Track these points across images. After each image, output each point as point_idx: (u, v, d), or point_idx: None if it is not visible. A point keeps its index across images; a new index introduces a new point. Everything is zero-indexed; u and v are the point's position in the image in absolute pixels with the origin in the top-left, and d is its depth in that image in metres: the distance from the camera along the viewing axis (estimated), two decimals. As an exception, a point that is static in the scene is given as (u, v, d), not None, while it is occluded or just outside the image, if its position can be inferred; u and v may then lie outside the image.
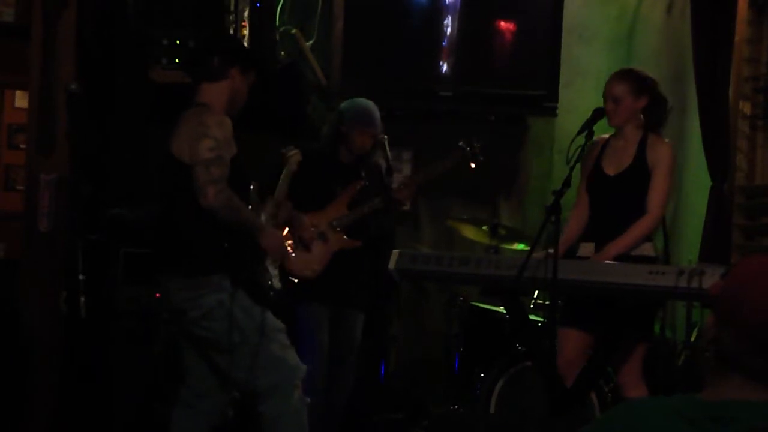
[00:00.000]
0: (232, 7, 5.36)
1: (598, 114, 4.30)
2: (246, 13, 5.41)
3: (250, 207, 4.08)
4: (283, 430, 4.00)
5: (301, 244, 4.86)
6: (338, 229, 4.93)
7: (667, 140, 4.45)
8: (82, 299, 4.15)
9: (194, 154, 3.82)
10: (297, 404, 4.00)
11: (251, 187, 4.16)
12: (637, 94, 4.36)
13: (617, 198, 4.39)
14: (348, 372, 5.05)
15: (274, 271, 4.32)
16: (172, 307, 3.98)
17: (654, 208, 4.32)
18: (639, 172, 4.34)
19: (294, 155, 4.72)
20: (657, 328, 5.15)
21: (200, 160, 3.80)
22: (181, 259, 3.96)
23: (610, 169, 4.42)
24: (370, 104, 5.01)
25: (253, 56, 4.25)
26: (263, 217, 4.34)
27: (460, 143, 5.14)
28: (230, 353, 3.90)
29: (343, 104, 5.07)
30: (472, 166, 5.12)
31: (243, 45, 4.47)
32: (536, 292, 5.46)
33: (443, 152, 5.25)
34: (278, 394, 3.96)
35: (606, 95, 4.39)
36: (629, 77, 4.41)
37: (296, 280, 4.86)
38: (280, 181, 4.66)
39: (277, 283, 4.29)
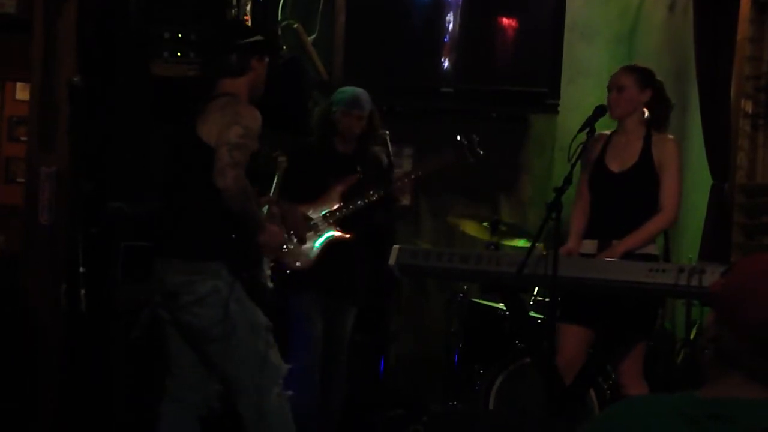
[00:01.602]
0: (234, 1, 5.36)
1: (599, 111, 4.31)
2: (248, 7, 5.41)
3: None
4: (264, 429, 3.97)
5: (294, 235, 4.85)
6: (331, 221, 4.93)
7: (671, 136, 4.45)
8: (82, 292, 4.15)
9: (221, 137, 3.82)
10: (276, 403, 3.97)
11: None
12: (642, 86, 4.37)
13: (622, 195, 4.38)
14: (341, 368, 5.04)
15: (267, 271, 4.32)
16: (165, 289, 3.94)
17: (669, 207, 4.32)
18: (645, 170, 4.34)
19: (282, 162, 4.76)
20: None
21: (225, 142, 3.80)
22: (183, 242, 3.94)
23: (614, 166, 4.42)
24: (358, 90, 5.01)
25: (266, 40, 4.24)
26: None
27: (458, 138, 5.13)
28: (218, 343, 3.88)
29: (333, 94, 5.10)
30: (471, 159, 5.10)
31: (254, 32, 4.46)
32: (536, 289, 5.46)
33: (444, 149, 5.25)
34: (258, 392, 3.93)
35: (611, 85, 4.41)
36: (636, 69, 4.45)
37: (288, 271, 4.85)
38: (274, 186, 4.71)
39: (269, 283, 4.29)
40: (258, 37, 4.14)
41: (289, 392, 4.04)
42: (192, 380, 4.07)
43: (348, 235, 4.93)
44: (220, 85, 4.02)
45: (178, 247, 3.95)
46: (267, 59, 4.11)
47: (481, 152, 5.11)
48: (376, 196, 4.93)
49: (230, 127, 3.83)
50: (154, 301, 4.04)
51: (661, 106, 4.42)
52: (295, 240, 4.85)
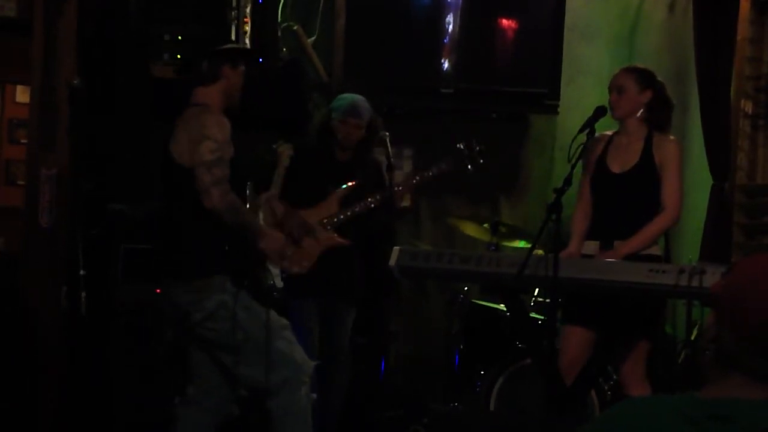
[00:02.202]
0: (234, 3, 5.36)
1: (599, 112, 4.30)
2: (248, 9, 5.41)
3: (248, 206, 4.10)
4: (291, 426, 4.01)
5: (292, 240, 4.86)
6: (329, 227, 4.93)
7: (672, 137, 4.45)
8: (83, 294, 4.15)
9: (196, 157, 3.82)
10: (304, 400, 4.02)
11: (247, 186, 4.17)
12: (642, 86, 4.37)
13: (623, 196, 4.38)
14: (342, 369, 5.04)
15: (275, 270, 4.33)
16: (177, 309, 3.99)
17: (671, 207, 4.31)
18: (646, 171, 4.34)
19: (284, 150, 4.75)
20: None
21: (202, 162, 3.80)
22: (181, 263, 3.97)
23: (616, 167, 4.42)
24: (357, 97, 5.01)
25: (240, 49, 4.25)
26: (261, 217, 4.36)
27: (459, 145, 5.13)
28: (237, 351, 3.92)
29: (333, 101, 5.10)
30: (469, 167, 5.12)
31: (229, 40, 4.46)
32: (537, 290, 5.46)
33: (444, 150, 5.25)
34: (286, 389, 3.97)
35: (611, 86, 4.41)
36: (636, 70, 4.45)
37: (284, 275, 4.85)
38: (276, 177, 4.69)
39: (279, 282, 4.30)
40: (232, 45, 4.14)
41: (314, 395, 4.07)
42: (212, 386, 4.12)
43: (346, 242, 4.94)
44: (195, 93, 4.02)
45: (179, 269, 3.98)
46: (242, 68, 4.08)
47: (482, 161, 5.11)
48: (374, 203, 4.93)
49: (200, 143, 3.82)
50: (171, 321, 4.08)
51: (662, 106, 4.42)
52: (293, 244, 4.86)
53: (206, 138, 3.82)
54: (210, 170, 3.79)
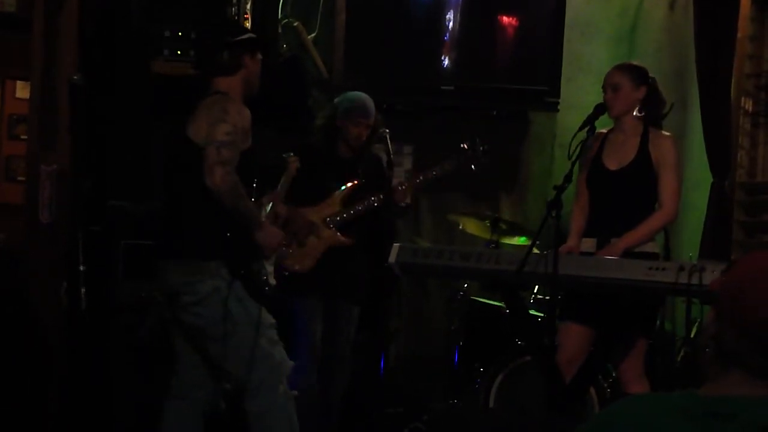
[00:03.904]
0: (235, 0, 5.36)
1: (599, 109, 4.31)
2: (248, 5, 5.41)
3: (252, 200, 4.09)
4: (270, 425, 4.00)
5: (295, 238, 4.86)
6: (332, 226, 4.93)
7: (667, 133, 4.46)
8: (83, 290, 4.15)
9: (209, 135, 3.84)
10: (282, 399, 4.01)
11: (254, 184, 4.17)
12: (636, 83, 4.38)
13: (619, 193, 4.38)
14: (343, 367, 5.04)
15: (269, 268, 4.32)
16: (167, 289, 3.96)
17: (668, 204, 4.32)
18: (642, 167, 4.34)
19: (293, 161, 4.75)
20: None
21: (213, 141, 3.82)
22: (181, 242, 3.96)
23: (612, 164, 4.42)
24: (364, 96, 5.02)
25: (257, 38, 4.26)
26: (263, 214, 4.35)
27: (463, 144, 5.12)
28: (221, 342, 3.89)
29: (337, 99, 5.09)
30: (473, 168, 5.11)
31: (245, 30, 4.47)
32: (536, 287, 5.46)
33: (445, 147, 5.24)
34: (264, 389, 3.97)
35: (605, 85, 4.42)
36: (628, 67, 4.46)
37: (287, 273, 4.86)
38: (282, 182, 4.69)
39: (272, 280, 4.29)
40: (249, 35, 4.15)
41: (294, 392, 4.06)
42: (196, 378, 4.08)
43: (349, 241, 4.94)
44: (214, 83, 4.04)
45: (177, 248, 3.97)
46: (260, 56, 4.12)
47: (484, 160, 5.10)
48: (377, 202, 4.94)
49: (217, 124, 3.85)
50: (157, 301, 4.04)
51: (655, 102, 4.42)
52: (296, 243, 4.86)
53: (224, 121, 3.86)
54: (219, 150, 3.81)
